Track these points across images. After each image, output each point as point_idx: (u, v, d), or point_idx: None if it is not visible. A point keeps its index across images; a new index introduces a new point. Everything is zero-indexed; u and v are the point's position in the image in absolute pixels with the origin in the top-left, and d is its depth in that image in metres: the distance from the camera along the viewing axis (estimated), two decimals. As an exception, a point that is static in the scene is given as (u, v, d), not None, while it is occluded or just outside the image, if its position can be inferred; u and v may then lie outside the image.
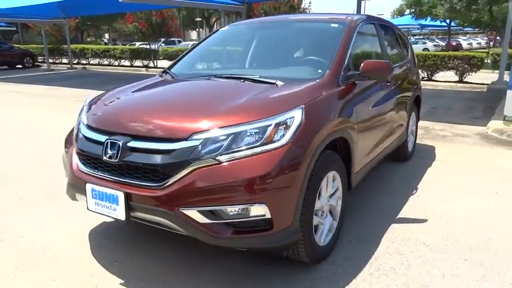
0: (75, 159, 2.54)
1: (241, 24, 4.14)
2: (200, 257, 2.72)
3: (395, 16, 69.66)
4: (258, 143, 2.12)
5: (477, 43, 39.28)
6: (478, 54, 12.59)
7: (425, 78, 13.17)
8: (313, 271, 2.55)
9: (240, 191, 2.07)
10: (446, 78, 12.96)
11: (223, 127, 2.16)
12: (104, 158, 2.30)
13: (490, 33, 30.53)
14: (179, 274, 2.54)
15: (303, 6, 15.47)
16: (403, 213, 3.42)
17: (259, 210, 2.10)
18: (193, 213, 2.10)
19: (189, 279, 2.48)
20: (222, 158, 2.09)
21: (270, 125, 2.17)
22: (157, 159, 2.17)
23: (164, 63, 19.54)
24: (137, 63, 20.20)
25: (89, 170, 2.42)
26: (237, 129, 2.15)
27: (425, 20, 34.88)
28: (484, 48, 30.88)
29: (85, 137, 2.53)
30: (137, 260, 2.71)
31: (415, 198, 3.75)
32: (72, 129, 2.89)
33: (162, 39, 18.99)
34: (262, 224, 2.14)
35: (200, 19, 44.69)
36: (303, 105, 2.33)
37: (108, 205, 2.29)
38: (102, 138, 2.38)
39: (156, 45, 20.16)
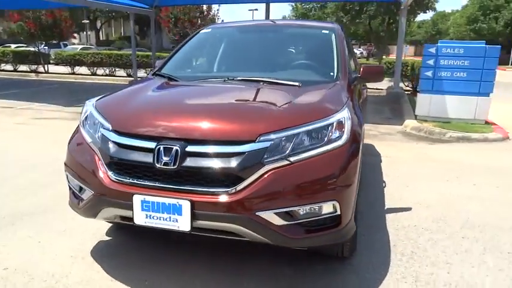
0: (104, 170, 2.25)
1: (227, 28, 4.09)
2: (232, 265, 2.63)
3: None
4: (322, 143, 2.16)
5: (360, 53, 43.84)
6: (372, 62, 14.14)
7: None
8: (346, 264, 2.67)
9: (314, 190, 2.09)
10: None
11: (287, 128, 2.15)
12: (157, 165, 2.10)
13: (369, 44, 34.47)
14: (220, 283, 2.43)
15: (212, 13, 15.52)
16: (388, 204, 3.75)
17: (330, 208, 2.14)
18: (271, 216, 2.05)
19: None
20: (292, 158, 2.09)
21: (331, 124, 2.23)
22: (226, 162, 2.06)
23: (58, 69, 17.77)
24: (23, 67, 17.99)
25: (132, 180, 2.18)
26: (301, 130, 2.16)
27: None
28: (365, 58, 34.67)
29: (119, 143, 2.25)
30: (166, 275, 2.51)
31: (388, 190, 4.13)
32: (76, 136, 2.54)
33: (44, 43, 17.17)
34: (330, 221, 2.18)
35: (88, 21, 41.61)
36: (347, 105, 2.44)
37: (165, 216, 2.09)
38: (148, 144, 2.16)
39: (45, 48, 18.18)
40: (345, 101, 2.50)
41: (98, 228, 3.09)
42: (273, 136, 2.11)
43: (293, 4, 36.23)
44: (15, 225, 3.16)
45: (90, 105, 2.64)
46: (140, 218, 2.14)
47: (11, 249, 2.82)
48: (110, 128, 2.33)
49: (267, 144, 2.08)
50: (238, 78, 2.96)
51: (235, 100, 2.63)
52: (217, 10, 16.05)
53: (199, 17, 14.70)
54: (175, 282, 2.44)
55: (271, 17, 14.44)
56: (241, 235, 2.12)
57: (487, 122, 7.63)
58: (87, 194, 2.33)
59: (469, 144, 6.44)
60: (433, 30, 60.72)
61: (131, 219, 2.18)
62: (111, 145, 2.27)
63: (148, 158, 2.14)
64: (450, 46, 7.58)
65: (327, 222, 2.18)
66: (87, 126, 2.51)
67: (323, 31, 3.57)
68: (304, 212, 2.11)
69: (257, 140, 2.09)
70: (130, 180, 2.18)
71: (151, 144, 2.16)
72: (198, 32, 3.82)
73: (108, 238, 3.01)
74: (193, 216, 2.05)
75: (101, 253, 2.79)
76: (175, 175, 2.10)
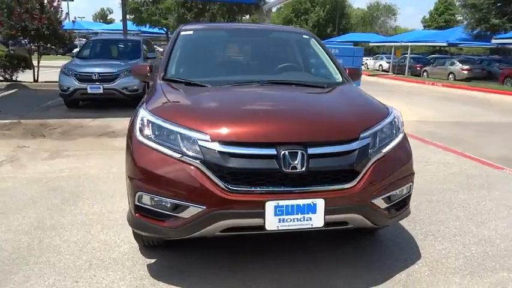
0: (216, 183, 2.16)
1: (212, 30, 4.00)
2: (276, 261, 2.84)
3: (98, 20, 69.41)
4: (393, 136, 2.57)
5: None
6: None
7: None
8: (378, 242, 3.17)
9: (402, 175, 2.50)
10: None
11: (373, 126, 2.48)
12: (285, 170, 2.16)
13: None
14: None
15: (55, 4, 13.69)
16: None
17: (409, 189, 2.59)
18: (380, 202, 2.38)
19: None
20: (384, 150, 2.44)
21: (393, 120, 2.65)
22: (344, 160, 2.28)
23: None
24: None
25: (259, 188, 2.17)
26: (380, 127, 2.52)
27: (146, 27, 36.90)
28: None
29: (230, 153, 2.19)
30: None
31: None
32: (148, 153, 2.31)
33: None
34: (407, 200, 2.63)
35: None
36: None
37: (299, 217, 2.18)
38: (267, 151, 2.19)
39: None
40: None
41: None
42: (367, 133, 2.42)
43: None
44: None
45: (152, 117, 2.41)
46: (273, 223, 2.17)
47: None
48: (209, 139, 2.23)
49: (368, 140, 2.38)
50: (268, 81, 3.12)
51: (306, 103, 2.80)
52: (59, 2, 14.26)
53: (37, 9, 12.77)
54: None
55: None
56: (351, 223, 2.37)
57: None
58: (192, 210, 2.19)
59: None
60: (253, 29, 66.32)
61: (259, 227, 2.18)
62: (221, 156, 2.19)
63: (271, 164, 2.18)
64: (331, 47, 8.86)
65: (406, 201, 2.62)
66: (161, 141, 2.31)
67: (304, 36, 3.93)
68: (397, 194, 2.50)
69: (359, 138, 2.36)
70: (258, 189, 2.17)
71: (270, 151, 2.19)
72: (179, 34, 3.67)
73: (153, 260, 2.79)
74: (326, 213, 2.21)
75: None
76: (303, 177, 2.20)
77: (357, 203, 2.28)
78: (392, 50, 28.83)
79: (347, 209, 2.28)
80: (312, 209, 2.19)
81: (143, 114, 2.48)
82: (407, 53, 25.95)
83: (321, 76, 3.53)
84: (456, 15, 47.54)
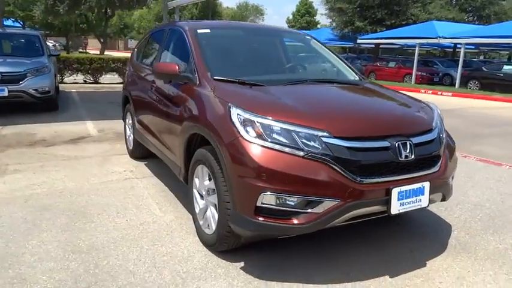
0: (347, 176, 2.29)
1: (228, 29, 3.88)
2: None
3: None
4: (442, 125, 3.02)
5: (52, 45, 39.79)
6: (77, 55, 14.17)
7: (91, 81, 13.39)
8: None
9: (454, 155, 2.96)
10: (110, 80, 13.77)
11: (433, 117, 2.90)
12: (400, 159, 2.41)
13: (84, 38, 32.20)
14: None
15: None
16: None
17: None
18: (450, 180, 2.81)
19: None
20: (444, 137, 2.88)
21: (439, 110, 3.11)
22: (433, 147, 2.63)
23: None
24: None
25: (383, 177, 2.36)
26: (436, 117, 2.93)
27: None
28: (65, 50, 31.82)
29: (354, 148, 2.34)
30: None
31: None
32: (270, 153, 2.31)
33: None
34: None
35: None
36: None
37: (413, 200, 2.45)
38: (383, 143, 2.41)
39: None
40: None
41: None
42: (434, 123, 2.82)
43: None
44: None
45: (259, 117, 2.40)
46: (395, 208, 2.39)
47: None
48: (330, 135, 2.33)
49: (438, 129, 2.79)
50: (314, 80, 3.31)
51: (372, 100, 3.04)
52: None
53: None
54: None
55: None
56: (433, 201, 2.74)
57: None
58: (326, 205, 2.27)
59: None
60: (120, 24, 62.67)
61: (382, 212, 2.39)
62: (348, 151, 2.32)
63: (388, 155, 2.40)
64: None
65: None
66: (277, 140, 2.33)
67: (306, 37, 4.15)
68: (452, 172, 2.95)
69: (434, 129, 2.74)
70: (383, 178, 2.36)
71: (385, 143, 2.42)
72: (196, 33, 3.54)
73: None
74: (430, 193, 2.53)
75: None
76: (412, 164, 2.48)
77: (443, 182, 2.67)
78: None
79: (438, 189, 2.63)
80: (422, 191, 2.49)
81: (246, 114, 2.43)
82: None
83: (345, 74, 3.78)
84: (315, 17, 52.79)
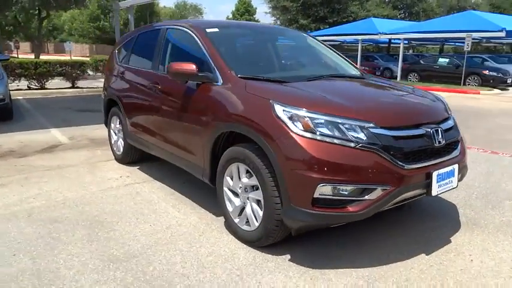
0: (395, 163, 2.44)
1: (236, 28, 3.86)
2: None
3: None
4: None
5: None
6: (87, 61, 13.51)
7: (36, 87, 12.55)
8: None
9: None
10: (57, 85, 12.98)
11: (446, 105, 3.17)
12: (436, 145, 2.61)
13: (15, 41, 29.62)
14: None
15: None
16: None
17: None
18: (467, 162, 3.08)
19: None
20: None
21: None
22: (455, 133, 2.89)
23: None
24: None
25: (424, 162, 2.55)
26: (447, 105, 3.22)
27: None
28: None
29: (397, 136, 2.50)
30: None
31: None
32: (325, 147, 2.41)
33: None
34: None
35: None
36: None
37: (447, 181, 2.67)
38: (420, 131, 2.59)
39: None
40: None
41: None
42: (449, 111, 3.08)
43: None
44: None
45: (308, 112, 2.49)
46: (435, 189, 2.59)
47: None
48: (376, 126, 2.48)
49: (452, 116, 3.05)
50: (329, 75, 3.46)
51: (393, 91, 3.21)
52: None
53: None
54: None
55: None
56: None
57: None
58: (379, 191, 2.42)
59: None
60: (49, 25, 58.94)
61: (422, 194, 2.60)
62: (393, 140, 2.48)
63: (426, 141, 2.60)
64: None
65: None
66: (328, 133, 2.43)
67: (303, 34, 4.28)
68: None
69: (450, 115, 3.00)
70: (424, 164, 2.56)
71: (421, 131, 2.61)
72: (206, 32, 3.53)
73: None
74: (458, 175, 2.77)
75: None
76: (443, 149, 2.70)
77: (463, 164, 2.92)
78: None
79: (461, 170, 2.88)
80: (453, 173, 2.72)
81: (293, 109, 2.50)
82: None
83: (348, 69, 3.93)
84: (254, 16, 53.35)
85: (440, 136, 2.67)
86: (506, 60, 19.76)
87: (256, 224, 2.77)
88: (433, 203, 3.74)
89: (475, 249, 2.88)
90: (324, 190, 2.38)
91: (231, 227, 3.04)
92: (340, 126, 2.44)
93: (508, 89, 16.33)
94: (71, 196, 3.92)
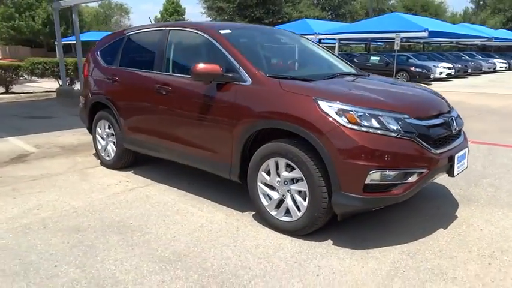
0: (428, 149, 2.78)
1: (245, 29, 3.93)
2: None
3: None
4: None
5: None
6: (22, 64, 12.51)
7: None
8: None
9: None
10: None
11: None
12: (453, 131, 3.01)
13: None
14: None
15: None
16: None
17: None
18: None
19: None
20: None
21: None
22: (461, 121, 3.31)
23: None
24: None
25: (447, 147, 2.92)
26: None
27: None
28: None
29: (427, 125, 2.83)
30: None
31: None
32: (374, 138, 2.68)
33: None
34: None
35: None
36: None
37: (462, 163, 3.08)
38: (439, 120, 2.96)
39: None
40: None
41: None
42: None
43: None
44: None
45: (353, 107, 2.74)
46: (456, 170, 2.99)
47: None
48: (409, 117, 2.80)
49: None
50: (343, 73, 3.74)
51: (401, 88, 3.53)
52: None
53: None
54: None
55: None
56: None
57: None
58: (418, 174, 2.75)
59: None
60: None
61: (446, 173, 2.97)
62: (426, 129, 2.82)
63: (446, 129, 2.97)
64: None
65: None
66: (372, 125, 2.70)
67: (297, 35, 4.52)
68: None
69: (451, 111, 3.41)
70: (447, 148, 2.93)
71: (442, 120, 2.98)
72: (220, 34, 3.62)
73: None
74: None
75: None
76: (456, 135, 3.11)
77: (468, 148, 3.36)
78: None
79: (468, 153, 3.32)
80: (465, 155, 3.14)
81: (339, 105, 2.74)
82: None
83: (350, 68, 4.22)
84: (184, 16, 52.64)
85: (455, 124, 3.07)
86: (426, 57, 21.90)
87: (299, 214, 2.95)
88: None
89: (479, 221, 3.33)
90: (373, 176, 2.64)
91: (267, 220, 3.18)
92: (380, 118, 2.72)
93: (431, 84, 18.11)
94: (79, 204, 3.77)
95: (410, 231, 3.14)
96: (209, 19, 27.53)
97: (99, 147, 5.00)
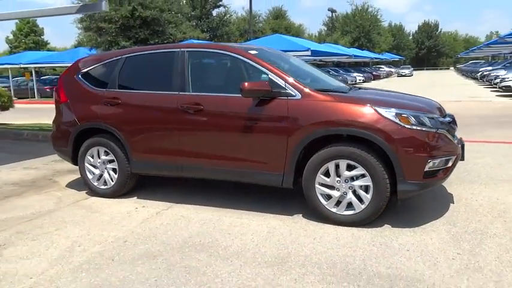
0: (452, 140, 3.59)
1: (262, 49, 4.17)
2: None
3: None
4: None
5: None
6: None
7: None
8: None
9: None
10: None
11: None
12: (455, 127, 3.88)
13: None
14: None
15: None
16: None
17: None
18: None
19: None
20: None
21: None
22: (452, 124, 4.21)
23: None
24: None
25: (455, 139, 3.75)
26: None
27: None
28: None
29: (448, 122, 3.64)
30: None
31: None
32: (423, 134, 3.35)
33: None
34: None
35: None
36: None
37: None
38: (448, 119, 3.79)
39: None
40: None
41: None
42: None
43: None
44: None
45: (405, 111, 3.40)
46: (464, 156, 3.85)
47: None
48: (439, 117, 3.58)
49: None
50: (351, 86, 4.37)
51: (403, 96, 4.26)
52: None
53: None
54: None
55: None
56: None
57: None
58: (452, 160, 3.53)
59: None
60: None
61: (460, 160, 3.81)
62: (448, 125, 3.63)
63: (453, 126, 3.82)
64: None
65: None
66: (420, 124, 3.38)
67: (287, 54, 5.03)
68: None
69: (446, 116, 4.29)
70: (457, 139, 3.76)
71: (449, 119, 3.82)
72: (255, 54, 3.94)
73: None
74: (463, 147, 4.12)
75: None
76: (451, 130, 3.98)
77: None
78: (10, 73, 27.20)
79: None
80: (463, 147, 4.02)
81: (396, 110, 3.36)
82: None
83: (343, 82, 4.89)
84: (42, 37, 48.03)
85: (454, 122, 3.96)
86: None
87: (363, 207, 3.45)
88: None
89: (479, 198, 4.21)
90: (430, 165, 3.32)
91: (328, 217, 3.57)
92: (422, 118, 3.41)
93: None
94: (121, 235, 3.59)
95: (432, 211, 3.90)
96: (88, 40, 25.80)
97: (90, 176, 4.67)
